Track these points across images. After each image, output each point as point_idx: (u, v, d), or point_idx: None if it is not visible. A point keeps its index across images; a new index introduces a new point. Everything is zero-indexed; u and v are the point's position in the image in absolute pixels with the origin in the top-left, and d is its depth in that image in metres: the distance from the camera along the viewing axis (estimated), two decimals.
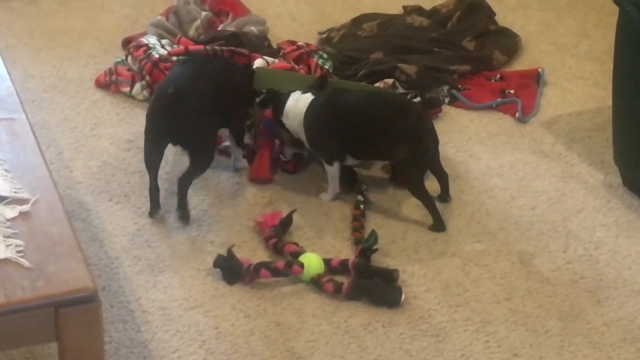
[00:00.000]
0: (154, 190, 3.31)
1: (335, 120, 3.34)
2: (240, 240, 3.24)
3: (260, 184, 3.49)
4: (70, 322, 2.23)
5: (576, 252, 3.27)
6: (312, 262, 3.08)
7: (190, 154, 3.30)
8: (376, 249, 3.15)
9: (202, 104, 3.29)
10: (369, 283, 3.06)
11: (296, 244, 3.19)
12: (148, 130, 3.29)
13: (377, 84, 3.96)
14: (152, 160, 3.30)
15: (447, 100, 4.02)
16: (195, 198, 3.41)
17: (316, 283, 3.06)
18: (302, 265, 3.05)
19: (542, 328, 2.98)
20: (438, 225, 3.33)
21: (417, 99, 3.91)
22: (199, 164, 3.32)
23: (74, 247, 2.34)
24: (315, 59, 4.01)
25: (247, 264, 3.08)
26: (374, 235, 3.17)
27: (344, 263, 3.12)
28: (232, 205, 3.39)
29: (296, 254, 3.13)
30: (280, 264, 3.06)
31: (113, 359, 2.81)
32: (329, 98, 3.38)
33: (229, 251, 3.09)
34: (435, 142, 3.36)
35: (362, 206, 3.37)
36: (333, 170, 3.38)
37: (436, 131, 3.35)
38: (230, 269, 3.07)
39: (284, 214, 3.29)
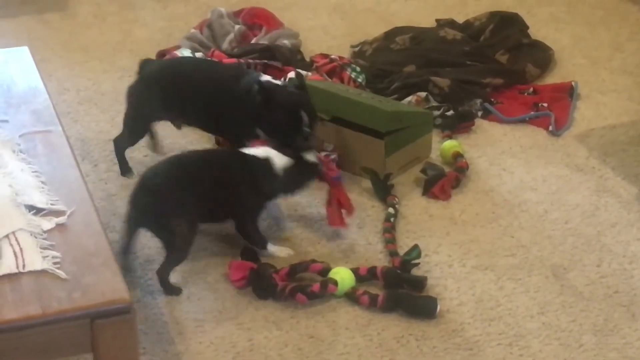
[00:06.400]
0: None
1: None
2: None
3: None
4: (106, 334, 2.24)
5: (610, 266, 3.25)
6: (344, 277, 3.06)
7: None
8: (417, 264, 3.15)
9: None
10: (404, 294, 3.05)
11: (315, 260, 3.15)
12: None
13: (409, 98, 3.97)
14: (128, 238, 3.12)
15: (480, 113, 4.02)
16: None
17: (351, 297, 3.06)
18: (335, 283, 3.05)
19: (576, 342, 2.96)
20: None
21: (450, 112, 3.91)
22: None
23: (109, 259, 2.36)
24: (348, 72, 4.02)
25: (281, 284, 3.05)
26: (416, 250, 3.17)
27: (372, 271, 3.11)
28: (263, 217, 3.40)
29: (324, 271, 3.10)
30: (316, 286, 3.03)
31: None
32: None
33: (262, 268, 3.08)
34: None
35: (392, 219, 3.37)
36: None
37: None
38: (263, 289, 3.06)
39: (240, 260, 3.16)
